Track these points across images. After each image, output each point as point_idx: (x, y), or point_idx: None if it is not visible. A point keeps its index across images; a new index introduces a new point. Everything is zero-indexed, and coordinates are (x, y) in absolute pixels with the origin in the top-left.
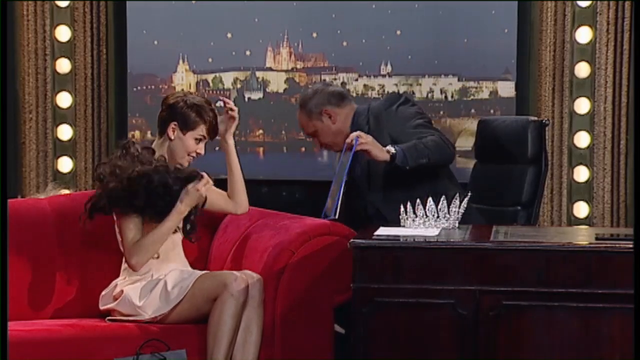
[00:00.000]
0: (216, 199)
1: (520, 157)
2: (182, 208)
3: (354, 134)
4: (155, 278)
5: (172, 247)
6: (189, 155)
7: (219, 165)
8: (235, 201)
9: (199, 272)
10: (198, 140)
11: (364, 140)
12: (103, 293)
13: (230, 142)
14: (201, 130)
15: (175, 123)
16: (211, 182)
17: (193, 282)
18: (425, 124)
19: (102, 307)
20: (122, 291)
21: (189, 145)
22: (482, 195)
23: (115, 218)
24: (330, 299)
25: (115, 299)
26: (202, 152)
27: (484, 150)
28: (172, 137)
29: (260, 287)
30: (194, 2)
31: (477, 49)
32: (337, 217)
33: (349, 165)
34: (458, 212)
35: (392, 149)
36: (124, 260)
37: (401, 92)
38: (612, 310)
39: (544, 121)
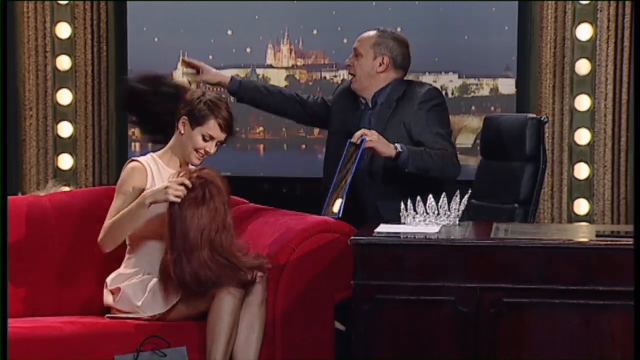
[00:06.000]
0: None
1: (518, 154)
2: (145, 195)
3: (360, 132)
4: (150, 275)
5: None
6: (197, 152)
7: (220, 164)
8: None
9: None
10: (207, 139)
11: (371, 138)
12: (104, 285)
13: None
14: (210, 126)
15: (186, 117)
16: (179, 191)
17: None
18: (445, 135)
19: (104, 302)
20: (119, 288)
21: (196, 141)
22: (480, 192)
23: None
24: (330, 296)
25: (112, 292)
26: (212, 151)
27: (487, 148)
28: (182, 131)
29: (263, 285)
30: None
31: (478, 46)
32: (340, 215)
33: (356, 165)
34: (458, 209)
35: (399, 147)
36: (126, 252)
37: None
38: (612, 307)
39: (541, 118)
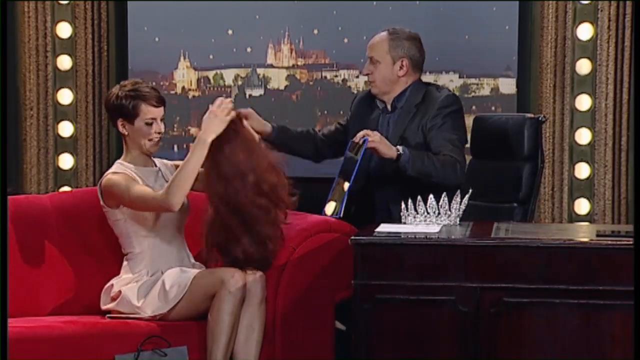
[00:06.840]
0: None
1: (516, 154)
2: (202, 136)
3: (363, 132)
4: (152, 277)
5: (167, 243)
6: (150, 140)
7: None
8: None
9: (196, 270)
10: (149, 122)
11: (373, 139)
12: (103, 291)
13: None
14: (145, 111)
15: (121, 119)
16: (227, 103)
17: (191, 280)
18: (455, 142)
19: (103, 307)
20: (120, 292)
21: (143, 131)
22: (479, 191)
23: (108, 207)
24: (331, 296)
25: (113, 299)
26: (161, 129)
27: (480, 147)
28: (126, 132)
29: (263, 284)
30: None
31: (478, 46)
32: (342, 215)
33: (358, 165)
34: (459, 208)
35: (400, 149)
36: (124, 259)
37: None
38: (612, 307)
39: (540, 118)
